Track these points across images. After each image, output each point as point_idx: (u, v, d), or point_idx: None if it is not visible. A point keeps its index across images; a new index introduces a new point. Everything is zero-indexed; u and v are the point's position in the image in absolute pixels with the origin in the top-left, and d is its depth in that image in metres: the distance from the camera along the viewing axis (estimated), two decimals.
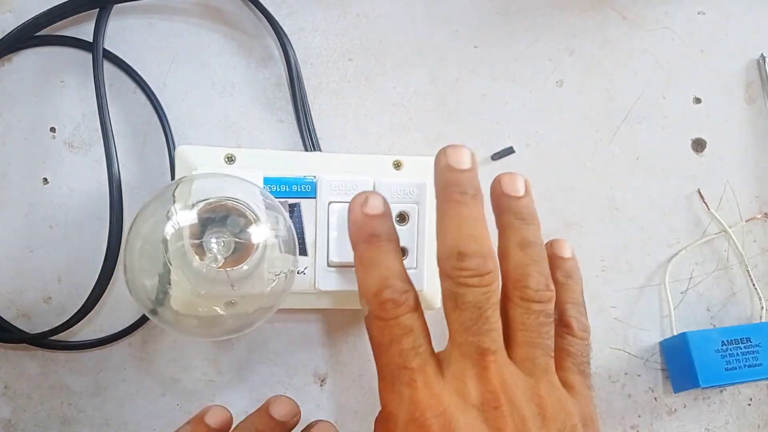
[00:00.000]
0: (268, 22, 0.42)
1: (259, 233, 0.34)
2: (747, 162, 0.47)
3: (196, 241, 0.33)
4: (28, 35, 0.41)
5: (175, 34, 0.42)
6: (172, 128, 0.42)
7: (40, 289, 0.41)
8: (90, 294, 0.39)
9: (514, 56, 0.46)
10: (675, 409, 0.46)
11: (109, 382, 0.41)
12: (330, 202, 0.39)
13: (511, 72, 0.45)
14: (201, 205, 0.33)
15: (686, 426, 0.46)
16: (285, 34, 0.42)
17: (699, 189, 0.46)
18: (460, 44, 0.45)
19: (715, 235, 0.46)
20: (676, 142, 0.46)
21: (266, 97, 0.43)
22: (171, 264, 0.33)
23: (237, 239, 0.33)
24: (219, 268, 0.33)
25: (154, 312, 0.34)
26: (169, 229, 0.33)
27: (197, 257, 0.33)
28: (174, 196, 0.34)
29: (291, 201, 0.39)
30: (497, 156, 0.45)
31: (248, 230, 0.33)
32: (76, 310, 0.39)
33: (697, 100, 0.47)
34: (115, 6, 0.41)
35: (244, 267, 0.33)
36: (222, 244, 0.33)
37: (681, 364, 0.43)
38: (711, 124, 0.47)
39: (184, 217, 0.33)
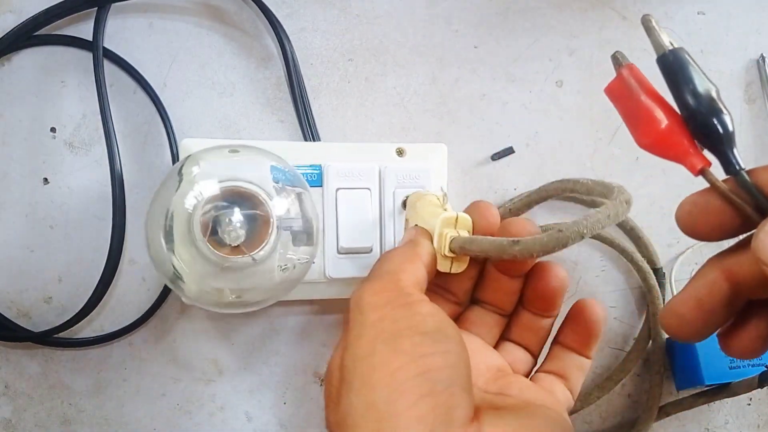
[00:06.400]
0: (266, 17, 0.42)
1: (272, 213, 0.34)
2: (747, 162, 0.47)
3: (209, 215, 0.33)
4: (28, 34, 0.41)
5: (176, 34, 0.42)
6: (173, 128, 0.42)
7: (41, 289, 0.41)
8: (93, 292, 0.39)
9: (514, 56, 0.46)
10: None
11: (109, 382, 0.41)
12: (338, 189, 0.39)
13: (511, 72, 0.45)
14: (216, 187, 0.33)
15: (686, 426, 0.46)
16: (282, 29, 0.42)
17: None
18: (460, 44, 0.45)
19: None
20: None
21: (266, 96, 0.43)
22: (176, 244, 0.33)
23: (255, 212, 0.33)
24: (232, 252, 0.33)
25: (175, 281, 0.35)
26: (177, 210, 0.33)
27: (206, 238, 0.33)
28: (181, 174, 0.34)
29: (298, 190, 0.39)
30: (497, 156, 0.45)
31: (260, 212, 0.33)
32: (76, 310, 0.39)
33: None
34: (116, 5, 0.41)
35: (261, 252, 0.33)
36: (238, 224, 0.33)
37: (685, 361, 0.43)
38: None
39: (194, 196, 0.33)
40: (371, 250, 0.40)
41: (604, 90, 0.29)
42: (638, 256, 0.44)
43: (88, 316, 0.40)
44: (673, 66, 0.27)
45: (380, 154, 0.41)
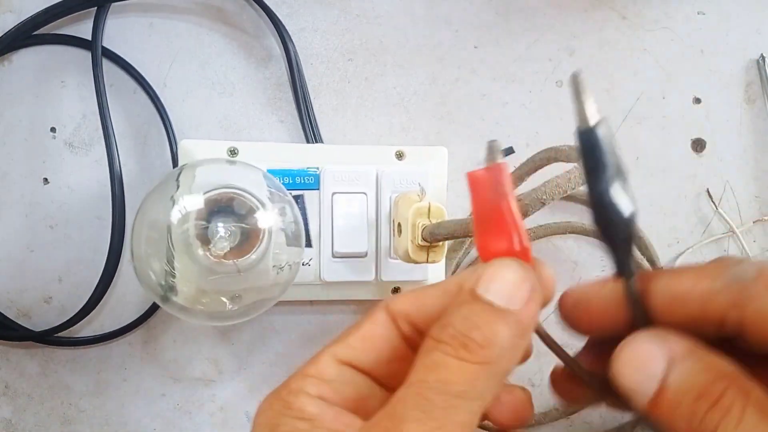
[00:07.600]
0: (268, 17, 0.42)
1: (265, 222, 0.34)
2: (747, 162, 0.47)
3: (203, 223, 0.33)
4: (27, 34, 0.41)
5: (176, 34, 0.42)
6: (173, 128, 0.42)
7: (41, 288, 0.41)
8: (92, 292, 0.39)
9: (514, 56, 0.46)
10: None
11: (109, 382, 0.41)
12: (334, 193, 0.39)
13: (511, 72, 0.45)
14: (207, 194, 0.33)
15: None
16: (285, 29, 0.42)
17: (708, 189, 0.46)
18: (460, 44, 0.45)
19: (722, 235, 0.46)
20: (676, 142, 0.47)
21: (266, 96, 0.43)
22: (174, 251, 0.33)
23: (243, 226, 0.33)
24: (224, 258, 0.33)
25: (164, 299, 0.34)
26: (173, 217, 0.33)
27: (201, 245, 0.33)
28: (178, 182, 0.34)
29: (295, 193, 0.39)
30: None
31: (253, 219, 0.34)
32: (76, 310, 0.39)
33: (697, 101, 0.47)
34: (116, 5, 0.41)
35: (252, 257, 0.33)
36: (228, 233, 0.33)
37: None
38: (711, 124, 0.47)
39: (190, 204, 0.33)
40: (366, 255, 0.39)
41: (468, 173, 0.24)
42: (638, 254, 0.44)
43: (87, 316, 0.40)
44: (590, 146, 0.25)
45: (379, 157, 0.40)
